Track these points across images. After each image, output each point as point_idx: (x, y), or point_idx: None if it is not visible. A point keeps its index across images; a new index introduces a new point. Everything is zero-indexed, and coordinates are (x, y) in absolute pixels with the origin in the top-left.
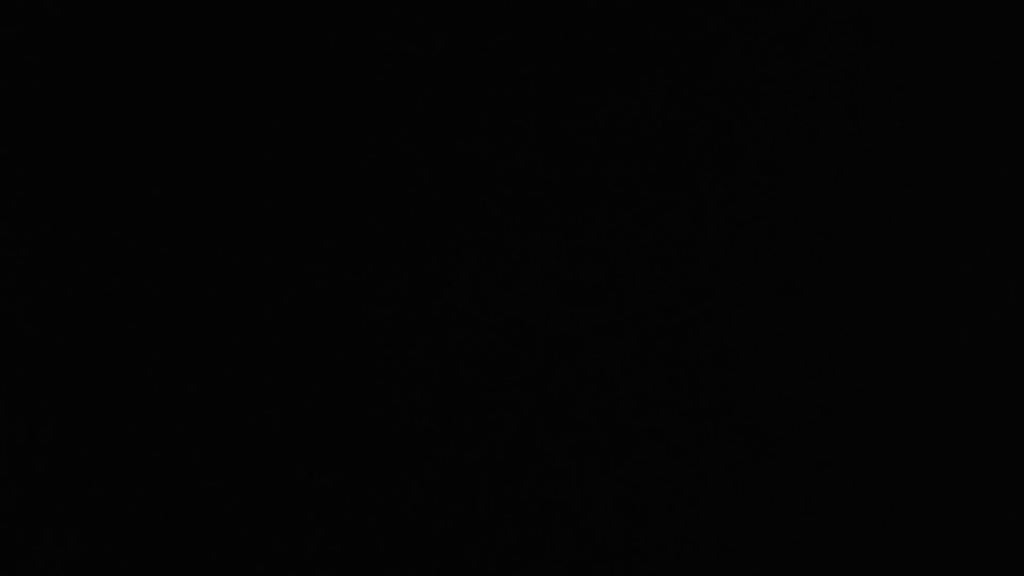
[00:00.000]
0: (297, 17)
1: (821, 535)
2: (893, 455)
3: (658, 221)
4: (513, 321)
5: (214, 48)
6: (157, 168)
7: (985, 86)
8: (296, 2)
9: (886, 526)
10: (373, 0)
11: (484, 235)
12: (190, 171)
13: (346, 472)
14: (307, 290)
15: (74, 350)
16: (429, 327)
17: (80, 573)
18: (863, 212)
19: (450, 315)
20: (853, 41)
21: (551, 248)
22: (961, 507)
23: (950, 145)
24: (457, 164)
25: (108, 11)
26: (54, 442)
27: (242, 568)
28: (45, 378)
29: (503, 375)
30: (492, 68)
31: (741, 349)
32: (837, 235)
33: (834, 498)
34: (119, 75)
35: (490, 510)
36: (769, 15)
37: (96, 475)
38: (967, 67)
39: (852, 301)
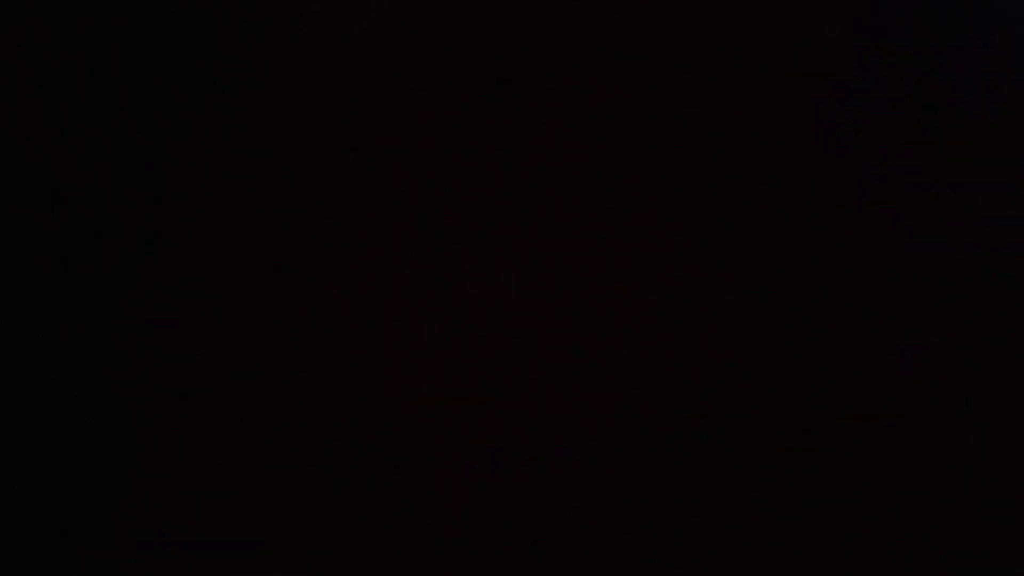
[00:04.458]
0: (297, 19)
1: (821, 535)
2: (893, 455)
3: (657, 224)
4: (514, 324)
5: (215, 48)
6: (157, 168)
7: (986, 86)
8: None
9: (885, 526)
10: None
11: (486, 238)
12: (189, 170)
13: (344, 473)
14: (306, 290)
15: (74, 350)
16: (429, 329)
17: (80, 573)
18: (863, 212)
19: (451, 318)
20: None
21: (552, 251)
22: (961, 507)
23: (951, 145)
24: (458, 166)
25: (108, 11)
26: (54, 442)
27: (242, 568)
28: (45, 378)
29: (503, 378)
30: (493, 71)
31: (741, 350)
32: (837, 235)
33: (833, 498)
34: (119, 75)
35: (489, 511)
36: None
37: (95, 475)
38: (968, 66)
39: (851, 301)
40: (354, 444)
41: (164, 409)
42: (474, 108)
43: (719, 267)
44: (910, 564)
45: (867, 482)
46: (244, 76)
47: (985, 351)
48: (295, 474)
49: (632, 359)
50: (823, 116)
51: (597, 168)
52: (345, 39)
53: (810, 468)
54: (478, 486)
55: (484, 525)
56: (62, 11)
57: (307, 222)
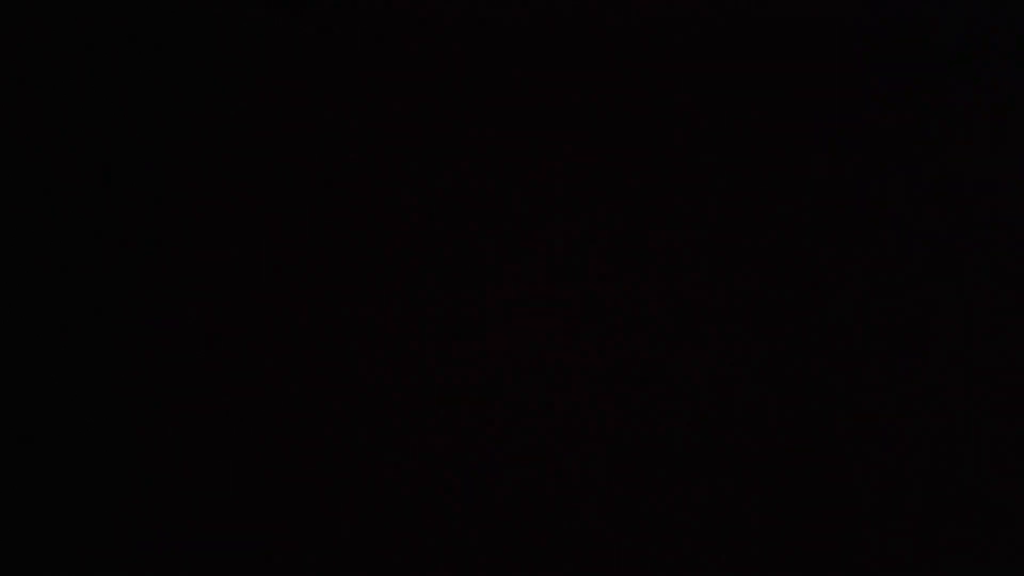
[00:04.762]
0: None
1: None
2: (893, 456)
3: (657, 227)
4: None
5: (215, 56)
6: (157, 168)
7: (986, 87)
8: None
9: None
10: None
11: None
12: (189, 172)
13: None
14: (306, 293)
15: (74, 350)
16: (429, 334)
17: (80, 573)
18: (863, 213)
19: (451, 323)
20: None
21: (550, 255)
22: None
23: (950, 145)
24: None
25: (108, 12)
26: (53, 442)
27: (241, 568)
28: (45, 378)
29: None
30: (495, 78)
31: (739, 353)
32: (837, 236)
33: (833, 498)
34: (117, 76)
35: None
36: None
37: (95, 475)
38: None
39: (850, 302)
40: (354, 444)
41: (164, 409)
42: (474, 109)
43: (719, 267)
44: (910, 564)
45: (867, 482)
46: (244, 76)
47: (985, 351)
48: (295, 474)
49: (632, 359)
50: (823, 117)
51: (596, 168)
52: (344, 40)
53: (810, 468)
54: (478, 486)
55: (484, 525)
56: (62, 11)
57: (307, 222)
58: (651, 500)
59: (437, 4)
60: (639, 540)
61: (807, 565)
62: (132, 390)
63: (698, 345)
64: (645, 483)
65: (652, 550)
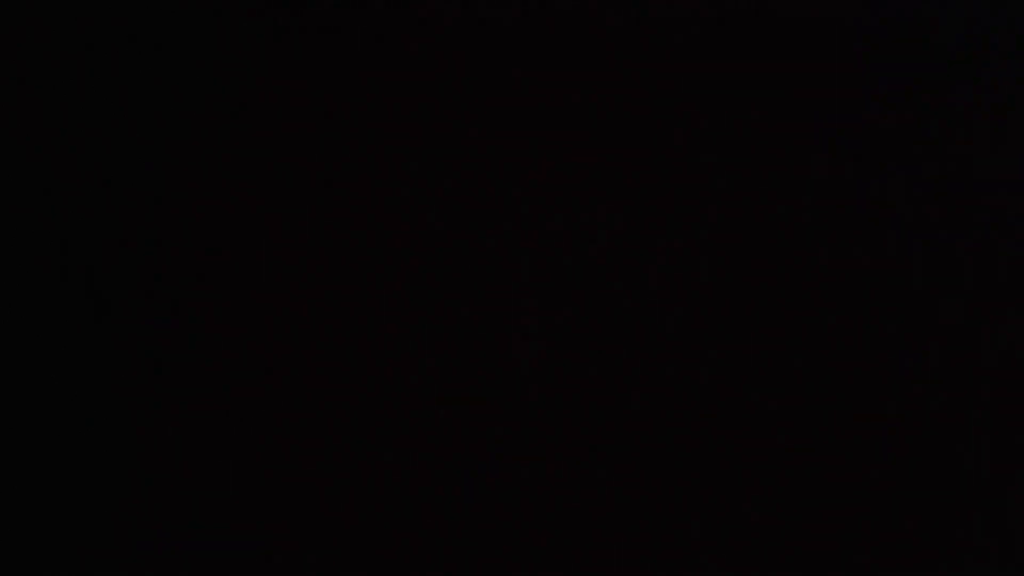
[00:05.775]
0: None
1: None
2: (895, 455)
3: (658, 225)
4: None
5: (215, 49)
6: (157, 168)
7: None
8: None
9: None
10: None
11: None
12: (189, 172)
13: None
14: (306, 292)
15: (73, 350)
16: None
17: (80, 573)
18: (863, 213)
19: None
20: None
21: (549, 251)
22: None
23: (951, 144)
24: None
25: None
26: (53, 442)
27: (242, 568)
28: (45, 377)
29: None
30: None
31: (741, 351)
32: (838, 235)
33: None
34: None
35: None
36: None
37: (95, 475)
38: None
39: (850, 302)
40: (354, 444)
41: (164, 409)
42: (474, 109)
43: (719, 267)
44: (910, 564)
45: (867, 482)
46: (244, 76)
47: (985, 351)
48: (295, 474)
49: (632, 359)
50: (823, 117)
51: (596, 168)
52: (344, 41)
53: (810, 468)
54: (477, 486)
55: (484, 525)
56: (62, 11)
57: (308, 222)
58: (651, 500)
59: (437, 4)
60: (639, 540)
61: (807, 565)
62: (132, 390)
63: (698, 345)
64: (645, 483)
65: (652, 550)
